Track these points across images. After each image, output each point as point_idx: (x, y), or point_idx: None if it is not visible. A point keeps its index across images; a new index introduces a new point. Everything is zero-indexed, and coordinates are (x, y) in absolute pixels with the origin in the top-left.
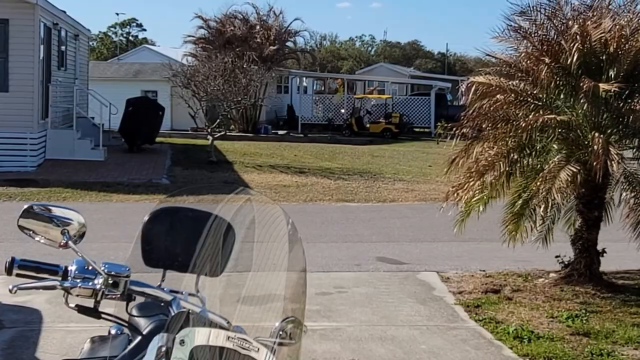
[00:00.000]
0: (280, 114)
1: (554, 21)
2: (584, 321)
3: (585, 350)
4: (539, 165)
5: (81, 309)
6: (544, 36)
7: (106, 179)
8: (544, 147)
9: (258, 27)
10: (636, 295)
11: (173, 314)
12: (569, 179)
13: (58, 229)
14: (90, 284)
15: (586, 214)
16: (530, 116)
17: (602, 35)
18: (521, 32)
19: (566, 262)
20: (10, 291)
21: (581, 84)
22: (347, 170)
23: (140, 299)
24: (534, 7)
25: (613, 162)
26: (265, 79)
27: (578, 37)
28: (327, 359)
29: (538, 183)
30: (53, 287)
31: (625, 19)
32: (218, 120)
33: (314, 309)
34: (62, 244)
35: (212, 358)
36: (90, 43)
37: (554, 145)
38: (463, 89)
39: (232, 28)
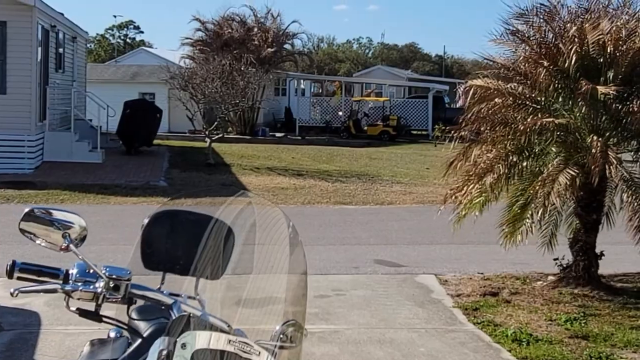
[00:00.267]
0: (277, 116)
1: (552, 24)
2: (583, 324)
3: (584, 353)
4: (537, 168)
5: (82, 313)
6: (541, 39)
7: (104, 182)
8: (543, 150)
9: (256, 29)
10: (635, 298)
11: (174, 317)
12: (568, 183)
13: (59, 233)
14: (92, 287)
15: (585, 217)
16: (529, 119)
17: (600, 37)
18: (519, 35)
19: (565, 265)
20: (12, 294)
21: (579, 87)
22: (345, 172)
23: (140, 302)
24: (532, 10)
25: (611, 166)
26: (262, 82)
27: (576, 39)
28: None
29: (537, 187)
30: (54, 291)
31: (622, 21)
32: (216, 123)
33: (312, 312)
34: (63, 247)
35: None
36: (88, 45)
37: (553, 148)
38: (461, 92)
39: (230, 30)
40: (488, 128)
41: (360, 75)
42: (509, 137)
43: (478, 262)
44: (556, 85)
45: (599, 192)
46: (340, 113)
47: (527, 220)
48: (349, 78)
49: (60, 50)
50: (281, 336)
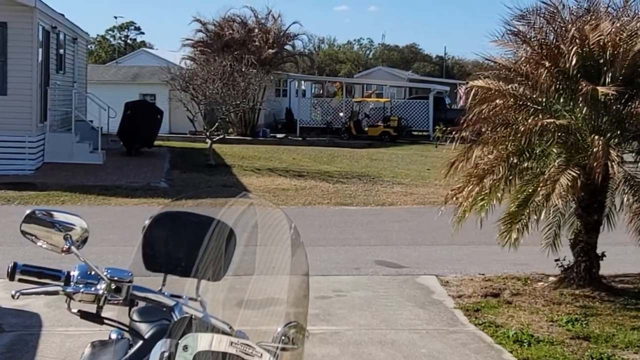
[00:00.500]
0: (278, 117)
1: (553, 25)
2: (584, 325)
3: (586, 354)
4: (538, 169)
5: (84, 315)
6: (542, 40)
7: (105, 183)
8: (544, 151)
9: (256, 30)
10: (636, 298)
11: (176, 319)
12: (569, 184)
13: (60, 234)
14: (93, 289)
15: (585, 218)
16: (530, 120)
17: (600, 38)
18: (520, 36)
19: (566, 266)
20: (13, 297)
21: (580, 88)
22: (346, 173)
23: (141, 304)
24: (533, 11)
25: (613, 164)
26: (263, 83)
27: (577, 40)
28: None
29: (537, 187)
30: (55, 293)
31: (622, 22)
32: (217, 124)
33: (313, 313)
34: (64, 249)
35: None
36: (89, 46)
37: (554, 149)
38: (462, 93)
39: (231, 31)
40: (489, 129)
41: (361, 76)
42: (510, 138)
43: (479, 263)
44: (557, 86)
45: (600, 192)
46: (341, 114)
47: (524, 218)
48: (350, 79)
49: (61, 51)
50: (283, 338)
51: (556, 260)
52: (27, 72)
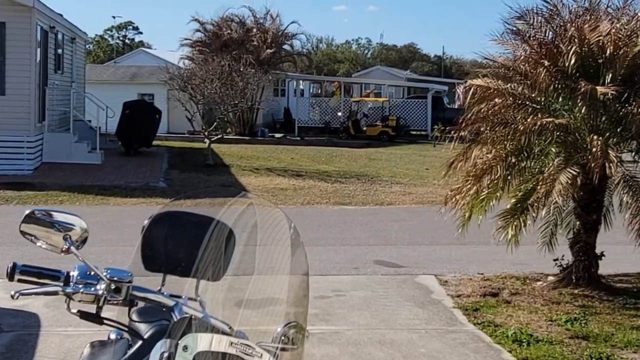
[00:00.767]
0: (277, 117)
1: (552, 24)
2: (583, 324)
3: (585, 354)
4: (537, 169)
5: (83, 315)
6: (542, 39)
7: (103, 183)
8: (542, 150)
9: (255, 30)
10: (635, 298)
11: (175, 319)
12: (569, 182)
13: (60, 235)
14: (93, 289)
15: (584, 217)
16: (529, 119)
17: (599, 38)
18: (519, 35)
19: (565, 265)
20: (12, 297)
21: (579, 87)
22: (344, 173)
23: (141, 304)
24: (532, 10)
25: (611, 165)
26: (262, 82)
27: (576, 40)
28: None
29: (536, 185)
30: (55, 293)
31: (622, 22)
32: (215, 124)
33: (313, 313)
34: (64, 249)
35: None
36: (87, 46)
37: (552, 149)
38: (461, 92)
39: (229, 31)
40: (488, 128)
41: (359, 75)
42: (509, 137)
43: (478, 262)
44: (556, 85)
45: (598, 192)
46: (340, 113)
47: (521, 216)
48: (348, 78)
49: (59, 51)
50: (283, 338)
51: (555, 260)
52: (26, 72)
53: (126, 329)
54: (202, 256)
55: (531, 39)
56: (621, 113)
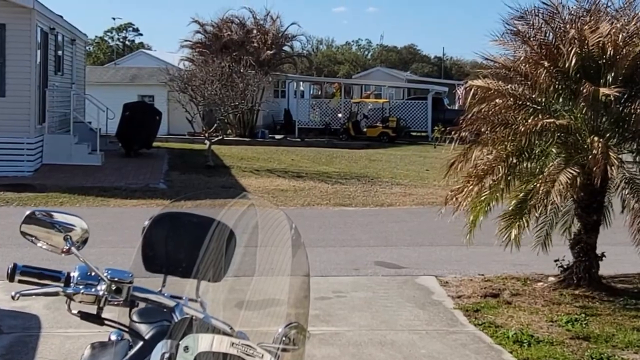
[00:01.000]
0: (277, 118)
1: (552, 25)
2: (584, 325)
3: (585, 354)
4: (537, 169)
5: (84, 315)
6: (542, 40)
7: (103, 184)
8: (543, 151)
9: (255, 31)
10: (635, 299)
11: (176, 320)
12: (569, 182)
13: (60, 235)
14: (93, 290)
15: (585, 218)
16: (530, 120)
17: (599, 39)
18: (520, 35)
19: (565, 266)
20: (13, 297)
21: (582, 89)
22: (345, 174)
23: (142, 305)
24: (532, 11)
25: (613, 167)
26: (262, 84)
27: (576, 41)
28: None
29: (537, 185)
30: (56, 294)
31: (622, 23)
32: (215, 125)
33: (313, 314)
34: (64, 250)
35: None
36: (87, 48)
37: (553, 149)
38: (461, 92)
39: (229, 33)
40: (488, 129)
41: (359, 77)
42: (510, 138)
43: (478, 263)
44: (556, 86)
45: (599, 193)
46: (340, 115)
47: (524, 216)
48: (348, 80)
49: (59, 52)
50: (284, 338)
51: (556, 261)
52: (26, 73)
53: (127, 329)
54: (202, 257)
55: (531, 39)
56: (622, 113)
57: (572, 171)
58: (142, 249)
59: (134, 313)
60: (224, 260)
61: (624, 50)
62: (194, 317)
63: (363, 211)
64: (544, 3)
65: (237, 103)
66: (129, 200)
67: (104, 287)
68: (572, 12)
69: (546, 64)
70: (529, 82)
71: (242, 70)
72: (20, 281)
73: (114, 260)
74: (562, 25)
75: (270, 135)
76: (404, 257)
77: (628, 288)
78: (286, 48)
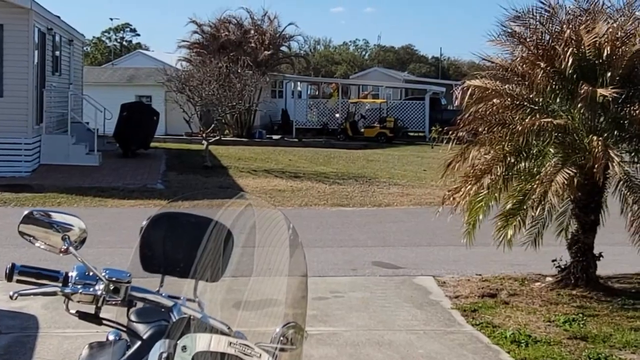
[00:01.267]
0: (274, 118)
1: (548, 25)
2: (581, 325)
3: (583, 354)
4: (535, 169)
5: (82, 315)
6: (538, 41)
7: (101, 184)
8: (540, 151)
9: (252, 31)
10: (633, 299)
11: (174, 319)
12: (566, 182)
13: (58, 235)
14: (91, 290)
15: (582, 218)
16: (527, 120)
17: (596, 39)
18: (516, 36)
19: (563, 266)
20: (11, 297)
21: (579, 89)
22: (342, 174)
23: (139, 305)
24: (529, 12)
25: (614, 164)
26: (259, 84)
27: (573, 41)
28: None
29: (534, 185)
30: (54, 293)
31: (619, 23)
32: (213, 125)
33: (311, 314)
34: (62, 249)
35: None
36: (85, 48)
37: (551, 149)
38: (458, 92)
39: (227, 33)
40: (486, 129)
41: (356, 77)
42: (507, 138)
43: (476, 263)
44: (553, 86)
45: (596, 193)
46: (337, 115)
47: (521, 215)
48: (346, 80)
49: (57, 53)
50: (281, 338)
51: (553, 261)
52: (23, 74)
53: (125, 329)
54: (200, 257)
55: (527, 40)
56: (620, 114)
57: (569, 171)
58: (140, 249)
59: (131, 313)
60: (221, 260)
61: (621, 50)
62: (191, 317)
63: (361, 211)
64: (541, 2)
65: (234, 103)
66: (126, 200)
67: (101, 286)
68: (570, 12)
69: (542, 64)
70: (526, 83)
71: (239, 71)
72: (18, 281)
73: (111, 261)
74: (558, 25)
75: (267, 136)
76: (402, 257)
77: (626, 288)
78: (284, 48)
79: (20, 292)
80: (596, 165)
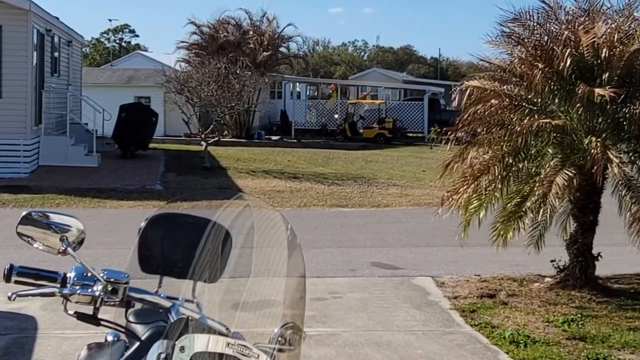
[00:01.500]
0: (273, 119)
1: (547, 26)
2: (580, 325)
3: (582, 355)
4: (533, 169)
5: (80, 316)
6: (537, 41)
7: (100, 185)
8: (539, 151)
9: (251, 32)
10: (632, 299)
11: (172, 320)
12: (566, 184)
13: (57, 236)
14: (90, 290)
15: (581, 218)
16: (525, 121)
17: (594, 40)
18: (514, 37)
19: (561, 267)
20: (9, 298)
21: (577, 89)
22: (341, 175)
23: (138, 305)
24: (527, 12)
25: (613, 166)
26: (258, 85)
27: (571, 42)
28: None
29: (534, 187)
30: (52, 294)
31: (617, 23)
32: (211, 126)
33: (309, 315)
34: (61, 250)
35: None
36: (84, 49)
37: (549, 150)
38: (457, 93)
39: (225, 34)
40: (484, 129)
41: (355, 77)
42: (505, 138)
43: (475, 264)
44: (552, 87)
45: (595, 193)
46: (336, 116)
47: (522, 218)
48: (345, 81)
49: (56, 54)
50: (280, 339)
51: (552, 261)
52: (22, 75)
53: (123, 330)
54: (198, 258)
55: (526, 41)
56: (618, 114)
57: (568, 172)
58: (138, 250)
59: (130, 314)
60: (220, 261)
61: (619, 50)
62: (190, 318)
63: (359, 212)
64: (541, 1)
65: (233, 104)
66: (125, 201)
67: (100, 287)
68: (569, 12)
69: (541, 65)
70: (524, 83)
71: (238, 72)
72: (16, 282)
73: (110, 262)
74: (557, 26)
75: (266, 137)
76: (401, 258)
77: (624, 288)
78: (282, 49)
79: (18, 293)
80: (595, 167)
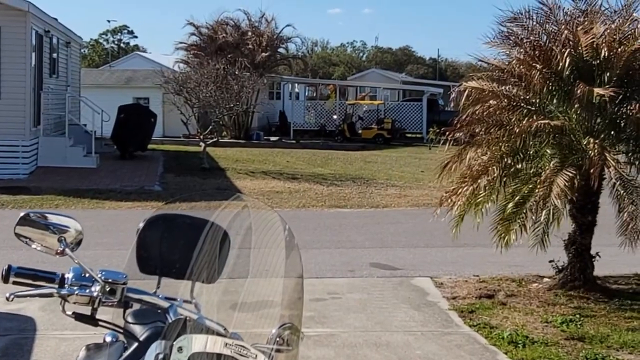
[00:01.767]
0: (272, 120)
1: (545, 27)
2: (579, 326)
3: (580, 355)
4: (532, 170)
5: (78, 317)
6: (535, 42)
7: (98, 186)
8: (538, 152)
9: (250, 33)
10: (630, 299)
11: (170, 321)
12: (567, 185)
13: (55, 237)
14: (88, 291)
15: (580, 219)
16: (524, 121)
17: (593, 40)
18: (513, 38)
19: (560, 267)
20: (7, 299)
21: (576, 89)
22: (340, 176)
23: (136, 306)
24: (526, 13)
25: (610, 168)
26: (257, 86)
27: (570, 42)
28: None
29: (536, 189)
30: (50, 295)
31: (616, 24)
32: (210, 127)
33: (308, 315)
34: (59, 251)
35: None
36: (82, 50)
37: (548, 150)
38: (455, 94)
39: (224, 35)
40: (483, 130)
41: (354, 78)
42: (504, 139)
43: (473, 264)
44: (550, 87)
45: (593, 194)
46: (335, 116)
47: (521, 218)
48: (343, 81)
49: (54, 55)
50: (277, 339)
51: (550, 262)
52: (21, 76)
53: (121, 330)
54: (196, 258)
55: (524, 41)
56: (617, 114)
57: (569, 173)
58: (137, 251)
59: (128, 314)
60: (217, 261)
61: (618, 50)
62: (188, 318)
63: (358, 213)
64: (540, 2)
65: (232, 105)
66: (124, 202)
67: (98, 288)
68: (568, 13)
69: (539, 65)
70: (523, 84)
71: (237, 72)
72: (14, 283)
73: (109, 263)
74: (555, 26)
75: (265, 137)
76: (399, 259)
77: (623, 289)
78: (281, 50)
79: (16, 294)
80: (592, 169)
